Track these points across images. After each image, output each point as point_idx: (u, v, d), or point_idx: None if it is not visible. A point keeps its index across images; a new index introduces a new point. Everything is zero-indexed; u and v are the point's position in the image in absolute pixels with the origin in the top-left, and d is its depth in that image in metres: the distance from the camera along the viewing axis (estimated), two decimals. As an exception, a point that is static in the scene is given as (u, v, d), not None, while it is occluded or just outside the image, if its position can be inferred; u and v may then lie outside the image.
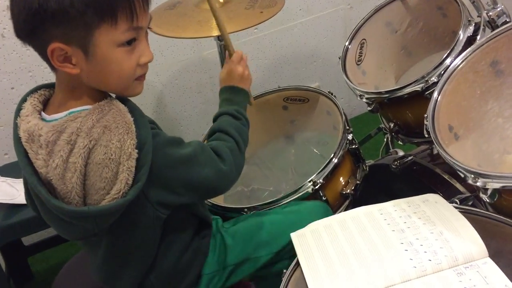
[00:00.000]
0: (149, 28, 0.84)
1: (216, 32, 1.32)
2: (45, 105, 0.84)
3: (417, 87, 1.11)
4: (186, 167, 0.86)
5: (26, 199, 0.94)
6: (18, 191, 1.38)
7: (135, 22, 0.78)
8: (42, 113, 0.81)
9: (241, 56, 1.11)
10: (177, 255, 0.96)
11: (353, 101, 2.27)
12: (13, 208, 1.38)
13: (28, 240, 1.76)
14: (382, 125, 1.46)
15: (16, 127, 0.81)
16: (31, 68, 1.62)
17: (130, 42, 0.79)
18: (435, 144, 0.95)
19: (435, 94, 1.02)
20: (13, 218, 1.36)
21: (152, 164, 0.80)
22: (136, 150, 0.77)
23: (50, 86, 0.86)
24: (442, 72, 1.07)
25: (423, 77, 1.11)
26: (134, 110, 0.82)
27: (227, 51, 1.15)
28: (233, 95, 1.07)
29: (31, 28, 0.75)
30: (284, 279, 0.86)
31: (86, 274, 1.01)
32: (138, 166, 0.78)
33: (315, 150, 1.43)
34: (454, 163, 0.90)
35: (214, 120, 1.03)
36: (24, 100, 0.83)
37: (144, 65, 0.84)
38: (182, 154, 0.85)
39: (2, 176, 1.46)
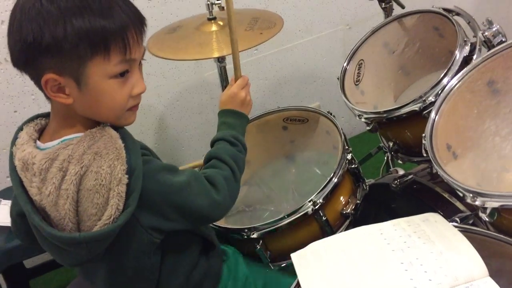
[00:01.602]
0: (143, 59, 0.86)
1: (216, 54, 1.34)
2: (41, 133, 0.85)
3: (415, 107, 1.12)
4: (179, 195, 0.86)
5: (12, 226, 0.96)
6: (20, 213, 1.38)
7: (128, 55, 0.79)
8: (37, 141, 0.83)
9: (246, 82, 1.12)
10: (185, 275, 0.96)
11: (353, 120, 2.28)
12: (15, 230, 1.38)
13: (29, 263, 1.75)
14: (382, 144, 1.47)
15: (12, 155, 0.82)
16: (33, 91, 1.64)
17: (123, 74, 0.81)
18: (433, 163, 0.95)
19: (433, 114, 1.03)
20: (15, 241, 1.36)
21: (144, 190, 0.80)
22: (126, 176, 0.78)
23: (46, 116, 0.87)
24: (440, 92, 1.08)
25: (420, 97, 1.12)
26: (125, 137, 0.83)
27: (233, 75, 1.15)
28: (233, 119, 1.07)
29: (26, 59, 0.77)
30: (284, 301, 0.85)
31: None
32: (128, 191, 0.78)
33: (316, 169, 1.43)
34: (453, 182, 0.91)
35: (212, 144, 1.03)
36: (20, 129, 0.85)
37: (137, 96, 0.85)
38: (174, 182, 0.86)
39: (4, 199, 1.47)
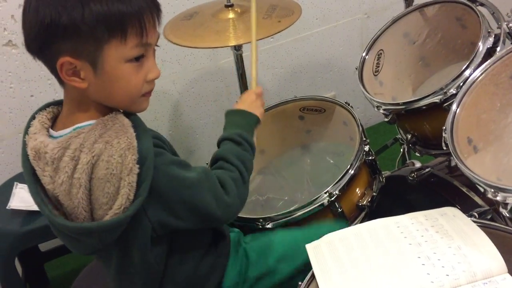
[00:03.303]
0: (157, 45, 0.85)
1: (233, 42, 1.32)
2: (54, 122, 0.85)
3: (436, 99, 1.10)
4: (189, 190, 0.85)
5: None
6: (36, 197, 1.39)
7: (144, 39, 0.79)
8: (50, 130, 0.83)
9: (259, 91, 1.09)
10: (193, 267, 0.96)
11: (369, 111, 2.26)
12: (31, 215, 1.40)
13: (44, 246, 1.78)
14: (399, 136, 1.45)
15: (24, 145, 0.82)
16: (50, 76, 1.60)
17: (138, 58, 0.80)
18: (454, 157, 0.94)
19: (454, 106, 1.01)
20: (30, 225, 1.38)
21: (154, 183, 0.80)
22: (137, 165, 0.77)
23: (58, 104, 0.87)
24: (461, 84, 1.06)
25: (441, 89, 1.10)
26: (137, 125, 0.82)
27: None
28: (238, 117, 1.03)
29: (42, 42, 0.76)
30: (299, 292, 0.85)
31: (104, 279, 1.01)
32: (139, 181, 0.78)
33: (331, 160, 1.42)
34: (474, 176, 0.89)
35: (218, 145, 1.00)
36: (32, 118, 0.84)
37: (151, 81, 0.85)
38: (185, 177, 0.85)
39: (20, 183, 1.48)
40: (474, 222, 0.89)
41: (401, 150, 1.58)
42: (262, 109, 1.07)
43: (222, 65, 1.93)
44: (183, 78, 1.91)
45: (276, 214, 1.12)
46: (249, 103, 1.06)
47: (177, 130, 2.00)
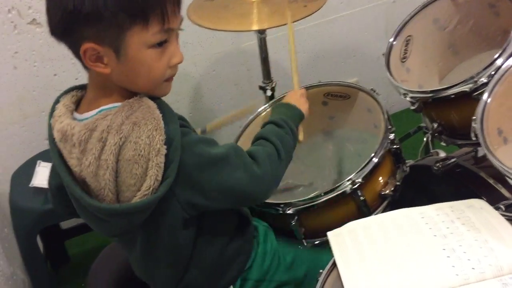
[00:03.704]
0: (181, 29, 0.84)
1: (256, 26, 1.31)
2: (77, 105, 0.85)
3: (465, 88, 1.07)
4: (217, 168, 0.84)
5: (51, 199, 0.98)
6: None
7: (166, 24, 0.79)
8: (75, 113, 0.83)
9: (304, 92, 1.15)
10: (219, 250, 0.96)
11: (391, 98, 2.22)
12: (53, 193, 1.41)
13: (65, 224, 1.80)
14: (423, 125, 1.42)
15: (50, 127, 0.83)
16: (73, 55, 1.65)
17: (161, 44, 0.80)
18: (484, 147, 0.91)
19: (485, 96, 0.98)
20: (52, 203, 1.39)
21: (182, 163, 0.80)
22: (165, 146, 0.78)
23: (81, 88, 0.88)
24: (493, 73, 1.03)
25: (472, 78, 1.06)
26: (163, 107, 0.82)
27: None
28: (284, 109, 1.07)
29: (65, 27, 0.76)
30: (320, 280, 0.84)
31: (125, 260, 1.02)
32: (167, 162, 0.78)
33: (352, 148, 1.40)
34: (504, 168, 0.87)
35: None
36: (56, 102, 0.85)
37: (174, 66, 0.84)
38: (212, 154, 0.84)
39: (43, 161, 1.50)
40: (502, 215, 0.87)
41: (425, 139, 1.55)
42: (307, 106, 1.10)
43: (244, 48, 1.92)
44: (205, 60, 1.90)
45: (297, 200, 1.11)
46: (295, 99, 1.10)
47: (197, 112, 1.99)
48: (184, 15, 0.87)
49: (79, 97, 0.86)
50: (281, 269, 1.05)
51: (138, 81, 0.82)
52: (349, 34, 2.09)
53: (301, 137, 1.09)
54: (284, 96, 1.12)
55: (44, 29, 1.59)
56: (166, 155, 0.78)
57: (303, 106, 1.09)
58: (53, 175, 0.93)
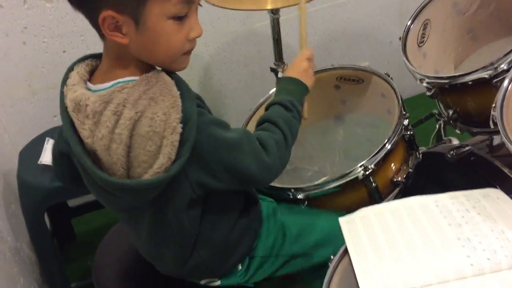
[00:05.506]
0: (200, 4, 0.83)
1: (270, 5, 1.27)
2: (91, 75, 0.83)
3: (485, 74, 1.04)
4: (229, 151, 0.83)
5: (53, 165, 0.96)
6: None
7: None
8: (88, 83, 0.81)
9: (311, 54, 1.08)
10: (226, 231, 0.95)
11: (402, 83, 2.17)
12: (61, 170, 1.40)
13: (72, 202, 1.80)
14: (435, 111, 1.39)
15: (62, 95, 0.81)
16: (82, 32, 1.63)
17: (181, 16, 0.78)
18: (503, 135, 0.89)
19: (506, 83, 0.95)
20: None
21: (196, 143, 0.78)
22: (181, 125, 0.76)
23: (97, 57, 0.85)
24: (514, 60, 1.00)
25: (491, 64, 1.04)
26: (180, 84, 0.80)
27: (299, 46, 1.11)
28: (292, 85, 1.02)
29: None
30: (331, 266, 0.83)
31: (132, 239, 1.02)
32: (181, 141, 0.77)
33: (365, 133, 1.38)
34: (523, 158, 0.85)
35: (267, 108, 0.99)
36: (71, 69, 0.83)
37: (193, 40, 0.82)
38: (226, 137, 0.83)
39: (52, 138, 1.48)
40: (517, 205, 0.86)
41: (437, 126, 1.52)
42: (313, 78, 1.07)
43: (256, 29, 1.89)
44: (215, 41, 1.87)
45: (308, 185, 1.09)
46: (302, 71, 1.05)
47: (206, 93, 1.97)
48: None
49: (94, 67, 0.84)
50: (287, 243, 1.03)
51: (157, 53, 0.80)
52: (362, 17, 2.06)
53: (306, 114, 1.07)
54: (291, 65, 1.06)
55: (54, 5, 1.56)
56: (181, 134, 0.76)
57: (309, 80, 1.05)
58: (59, 140, 0.90)
